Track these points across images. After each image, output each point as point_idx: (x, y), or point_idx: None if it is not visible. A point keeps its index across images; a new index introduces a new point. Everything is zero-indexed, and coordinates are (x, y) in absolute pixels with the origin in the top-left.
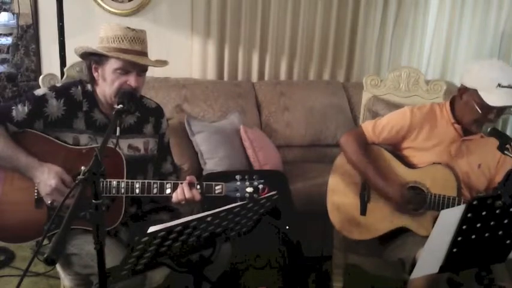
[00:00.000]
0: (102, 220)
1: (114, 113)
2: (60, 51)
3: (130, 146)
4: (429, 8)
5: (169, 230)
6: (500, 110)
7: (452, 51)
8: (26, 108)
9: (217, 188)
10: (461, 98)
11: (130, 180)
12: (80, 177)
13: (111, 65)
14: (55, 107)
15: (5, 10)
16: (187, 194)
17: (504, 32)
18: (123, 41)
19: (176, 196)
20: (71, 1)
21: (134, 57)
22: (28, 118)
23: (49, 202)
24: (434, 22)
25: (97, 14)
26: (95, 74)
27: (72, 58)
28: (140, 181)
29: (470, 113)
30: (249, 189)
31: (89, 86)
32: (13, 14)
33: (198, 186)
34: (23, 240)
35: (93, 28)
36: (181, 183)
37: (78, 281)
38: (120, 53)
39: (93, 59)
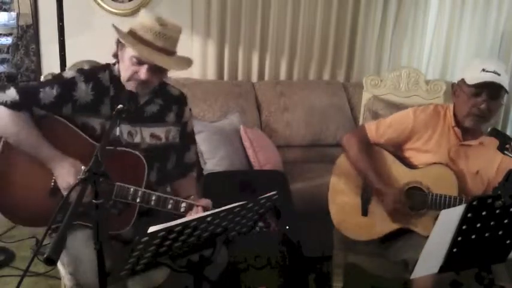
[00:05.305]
0: (102, 220)
1: (114, 112)
2: (60, 51)
3: (152, 135)
4: (429, 8)
5: (169, 230)
6: (490, 98)
7: (452, 51)
8: (54, 91)
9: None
10: (454, 94)
11: (147, 191)
12: (80, 176)
13: (129, 51)
14: (84, 91)
15: (5, 10)
16: None
17: (504, 32)
18: (147, 32)
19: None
20: (71, 1)
21: (146, 52)
22: (56, 101)
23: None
24: (434, 22)
25: (97, 14)
26: (119, 53)
27: (72, 58)
28: (156, 193)
29: (461, 105)
30: (260, 224)
31: (115, 70)
32: (13, 14)
33: None
34: (32, 224)
35: (93, 28)
36: (197, 206)
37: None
38: (139, 43)
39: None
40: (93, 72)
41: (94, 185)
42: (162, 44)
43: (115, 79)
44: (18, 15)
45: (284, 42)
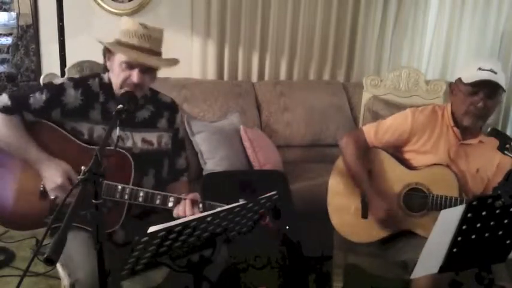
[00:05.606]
0: (102, 220)
1: (114, 113)
2: (60, 51)
3: (144, 140)
4: (429, 8)
5: (169, 230)
6: (486, 96)
7: (452, 51)
8: (43, 96)
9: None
10: (452, 93)
11: (135, 188)
12: (80, 177)
13: (118, 57)
14: (72, 96)
15: (5, 10)
16: (188, 212)
17: (504, 32)
18: (132, 36)
19: (177, 212)
20: (71, 1)
21: (135, 54)
22: (45, 106)
23: (52, 197)
24: (434, 22)
25: (97, 14)
26: (108, 63)
27: (72, 58)
28: (144, 190)
29: (459, 104)
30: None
31: (105, 78)
32: (13, 14)
33: (201, 205)
34: (22, 228)
35: (93, 28)
36: (184, 199)
37: None
38: (127, 48)
39: (106, 48)
40: (83, 80)
41: (94, 185)
42: (149, 45)
43: (105, 86)
44: (18, 15)
45: (284, 42)
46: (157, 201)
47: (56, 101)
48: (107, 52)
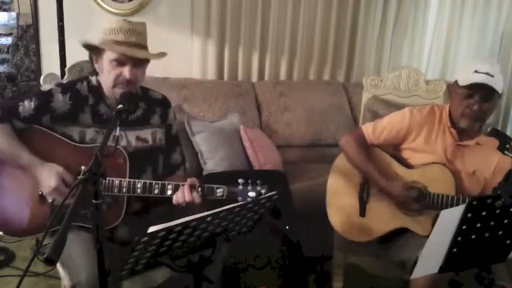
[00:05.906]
0: (101, 220)
1: (114, 113)
2: (60, 51)
3: (138, 138)
4: (429, 8)
5: (169, 230)
6: (482, 100)
7: (452, 51)
8: (32, 104)
9: (218, 191)
10: (450, 95)
11: (132, 180)
12: (80, 177)
13: (107, 56)
14: (61, 101)
15: (5, 10)
16: (188, 197)
17: (504, 32)
18: (118, 33)
19: (176, 198)
20: (71, 1)
21: (125, 49)
22: (35, 113)
23: (50, 200)
24: (434, 22)
25: (97, 14)
26: (96, 66)
27: (72, 58)
28: (142, 181)
29: (455, 106)
30: (252, 194)
31: (94, 81)
32: (13, 14)
33: (200, 189)
34: (27, 234)
35: (93, 28)
36: (183, 185)
37: None
38: (114, 44)
39: (93, 51)
40: (71, 84)
41: (94, 185)
42: (135, 39)
43: (93, 88)
44: (18, 15)
45: (284, 42)
46: (156, 191)
47: (44, 108)
48: (94, 54)
